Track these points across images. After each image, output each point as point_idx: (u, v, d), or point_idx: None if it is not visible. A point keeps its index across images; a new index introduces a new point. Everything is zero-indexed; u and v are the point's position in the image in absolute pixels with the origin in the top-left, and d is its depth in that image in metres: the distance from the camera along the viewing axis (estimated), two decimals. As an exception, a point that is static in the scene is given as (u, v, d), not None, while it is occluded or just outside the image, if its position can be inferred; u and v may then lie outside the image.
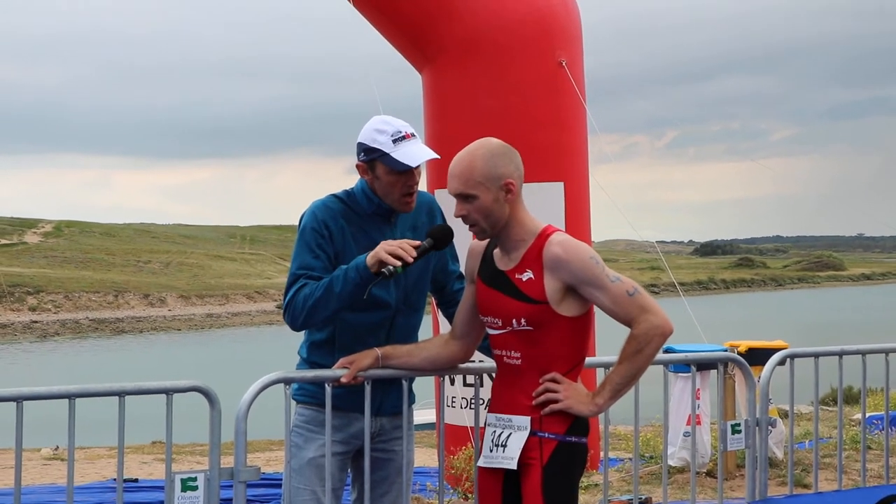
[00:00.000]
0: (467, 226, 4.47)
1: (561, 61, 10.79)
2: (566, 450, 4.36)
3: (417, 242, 4.66)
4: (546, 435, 4.35)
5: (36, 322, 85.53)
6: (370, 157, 4.78)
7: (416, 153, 4.76)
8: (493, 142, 4.47)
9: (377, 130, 4.78)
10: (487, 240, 4.56)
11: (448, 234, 4.77)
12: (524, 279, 4.36)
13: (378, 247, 4.58)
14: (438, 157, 4.88)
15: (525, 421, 4.38)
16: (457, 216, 4.45)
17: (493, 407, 4.53)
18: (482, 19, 10.66)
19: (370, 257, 4.57)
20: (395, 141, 4.74)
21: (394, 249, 4.54)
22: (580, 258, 4.32)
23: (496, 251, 4.51)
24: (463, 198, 4.40)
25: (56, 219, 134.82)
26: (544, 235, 4.40)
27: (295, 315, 4.70)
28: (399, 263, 4.53)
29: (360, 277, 4.57)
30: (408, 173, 4.77)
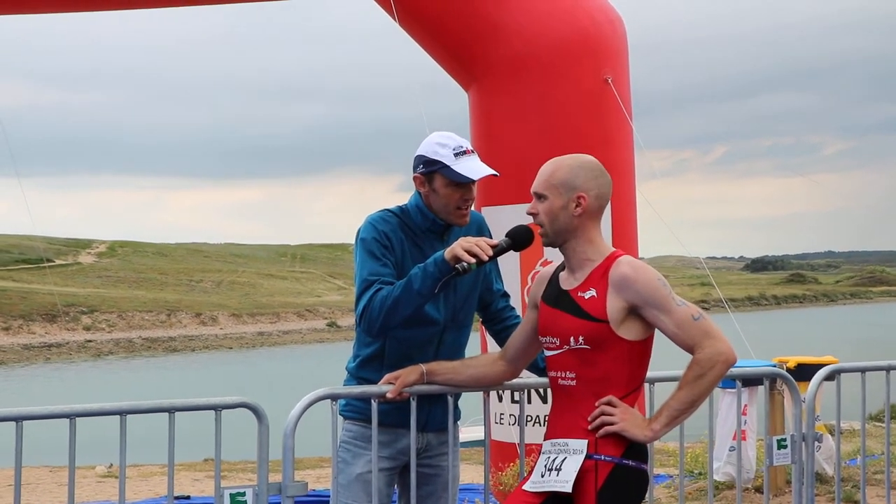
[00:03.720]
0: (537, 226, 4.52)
1: (607, 78, 10.79)
2: (623, 473, 4.29)
3: (495, 241, 4.71)
4: (602, 458, 4.28)
5: (90, 341, 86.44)
6: (430, 169, 4.86)
7: (477, 168, 4.85)
8: (587, 158, 4.53)
9: (439, 144, 4.87)
10: (555, 267, 4.60)
11: (527, 235, 4.77)
12: (586, 297, 4.36)
13: (456, 242, 4.64)
14: (497, 174, 4.94)
15: (582, 444, 4.31)
16: (528, 213, 4.52)
17: (549, 434, 4.48)
18: (529, 37, 10.69)
19: (447, 252, 4.61)
20: (456, 155, 4.84)
21: (470, 246, 4.59)
22: (648, 279, 4.32)
23: (562, 273, 4.54)
24: (537, 196, 4.48)
25: (110, 239, 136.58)
26: (613, 257, 4.42)
27: (373, 319, 4.71)
28: (474, 261, 4.57)
29: (438, 271, 4.61)
30: (465, 187, 4.85)
